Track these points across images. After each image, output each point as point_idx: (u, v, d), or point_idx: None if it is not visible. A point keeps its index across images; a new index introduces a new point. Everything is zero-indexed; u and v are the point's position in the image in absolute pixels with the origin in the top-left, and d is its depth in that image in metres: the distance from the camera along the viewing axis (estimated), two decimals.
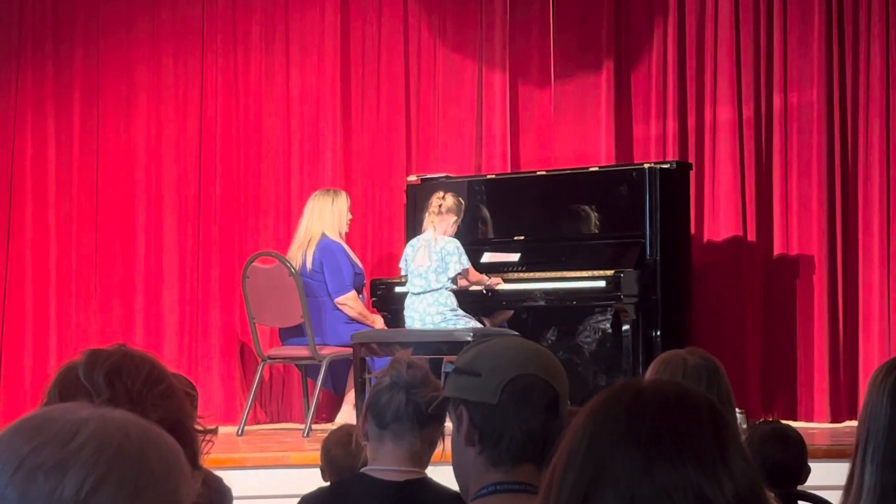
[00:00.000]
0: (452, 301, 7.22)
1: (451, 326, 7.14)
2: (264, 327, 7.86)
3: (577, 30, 8.52)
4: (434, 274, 7.21)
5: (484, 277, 7.37)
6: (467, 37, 8.66)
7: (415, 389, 2.99)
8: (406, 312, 7.32)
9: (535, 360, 2.47)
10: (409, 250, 7.38)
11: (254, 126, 8.57)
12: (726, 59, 8.21)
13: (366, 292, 7.85)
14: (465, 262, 7.23)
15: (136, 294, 8.38)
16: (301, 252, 7.62)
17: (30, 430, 1.15)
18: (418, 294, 7.25)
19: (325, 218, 7.66)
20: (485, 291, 7.44)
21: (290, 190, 8.55)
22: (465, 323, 7.18)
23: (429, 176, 8.18)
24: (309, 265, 7.58)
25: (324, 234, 7.63)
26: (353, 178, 8.58)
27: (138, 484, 1.14)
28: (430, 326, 7.19)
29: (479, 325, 7.26)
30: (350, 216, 7.78)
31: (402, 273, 7.43)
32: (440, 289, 7.20)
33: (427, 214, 7.36)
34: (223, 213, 8.47)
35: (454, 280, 7.24)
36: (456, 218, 7.36)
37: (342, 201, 7.73)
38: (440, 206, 7.31)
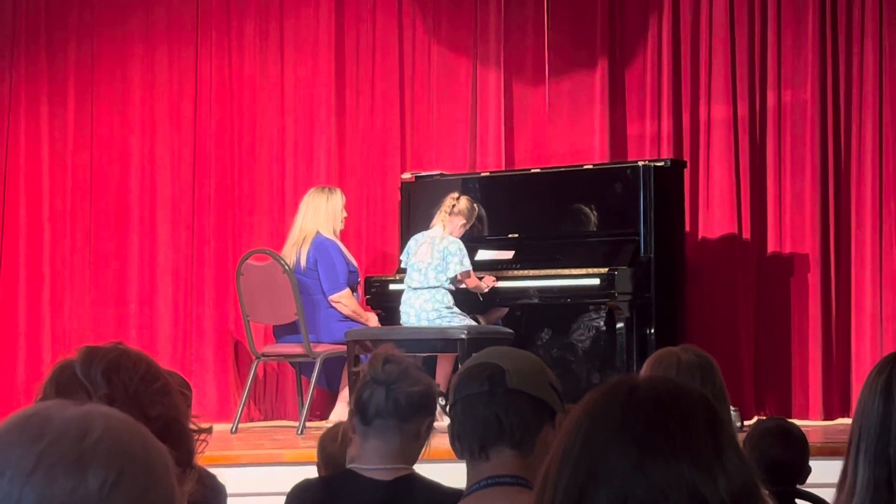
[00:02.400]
0: (449, 299, 7.23)
1: (445, 324, 7.14)
2: (258, 325, 7.86)
3: (572, 27, 8.52)
4: (434, 272, 7.21)
5: (482, 285, 7.36)
6: (461, 34, 8.66)
7: (393, 385, 3.00)
8: (402, 308, 7.32)
9: (486, 352, 2.58)
10: (412, 243, 7.38)
11: (248, 123, 8.56)
12: (721, 57, 8.21)
13: (360, 290, 7.85)
14: (467, 265, 7.23)
15: (131, 291, 8.37)
16: (296, 250, 7.62)
17: (34, 429, 1.14)
18: (416, 289, 7.26)
19: (319, 215, 7.65)
20: (481, 298, 7.44)
21: (284, 187, 8.55)
22: (459, 321, 7.18)
23: (423, 173, 8.18)
24: (303, 263, 7.58)
25: (318, 232, 7.62)
26: (348, 175, 8.57)
27: (149, 480, 1.14)
28: (425, 323, 7.19)
29: (473, 324, 7.26)
30: (345, 213, 7.78)
31: (402, 265, 7.43)
32: (438, 287, 7.21)
33: (438, 212, 7.37)
34: (217, 211, 8.46)
35: (452, 280, 7.24)
36: (465, 221, 7.37)
37: (337, 199, 7.72)
38: (452, 206, 7.33)
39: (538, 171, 7.96)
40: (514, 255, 7.59)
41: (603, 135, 8.37)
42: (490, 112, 8.57)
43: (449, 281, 7.22)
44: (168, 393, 1.77)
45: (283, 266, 7.48)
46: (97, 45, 8.47)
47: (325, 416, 7.76)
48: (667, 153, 8.14)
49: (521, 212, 7.78)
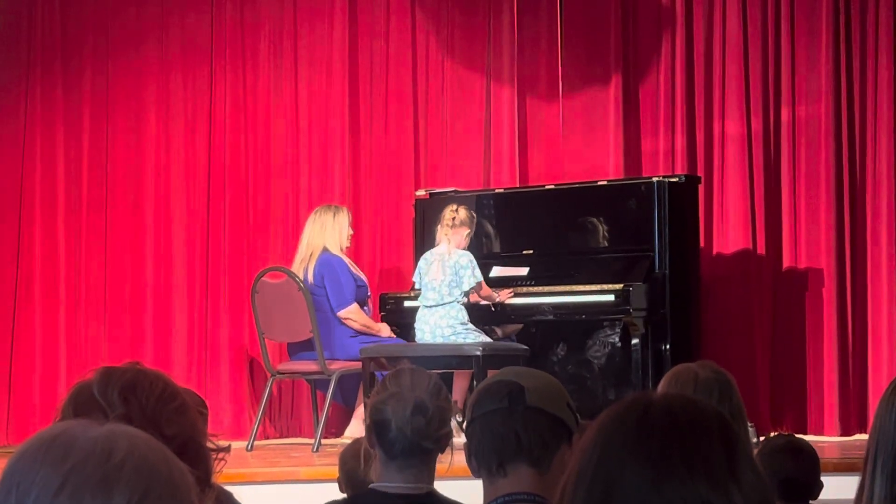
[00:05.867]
0: (463, 315, 7.23)
1: (461, 340, 7.14)
2: (273, 342, 7.87)
3: (585, 44, 8.53)
4: (447, 287, 7.22)
5: (494, 294, 7.37)
6: (475, 51, 8.68)
7: (419, 434, 2.99)
8: (417, 325, 7.32)
9: (503, 372, 2.59)
10: (422, 264, 7.38)
11: (262, 141, 8.58)
12: (734, 72, 8.22)
13: (371, 303, 7.84)
14: (479, 276, 7.24)
15: (146, 310, 8.39)
16: (303, 267, 7.64)
17: (60, 449, 1.14)
18: (430, 307, 7.26)
19: (326, 233, 7.67)
20: (493, 308, 7.45)
21: (298, 205, 8.56)
22: (474, 337, 7.17)
23: (437, 190, 8.19)
24: (311, 279, 7.59)
25: (325, 249, 7.64)
26: (362, 192, 8.59)
27: (172, 499, 1.15)
28: (440, 340, 7.19)
29: (488, 340, 7.26)
30: (351, 231, 7.79)
31: (416, 286, 7.43)
32: (452, 302, 7.21)
33: (440, 227, 7.37)
34: (232, 229, 8.48)
35: (466, 294, 7.24)
36: (469, 231, 7.37)
37: (343, 216, 7.74)
38: (453, 218, 7.33)
39: (552, 187, 7.96)
40: (529, 272, 7.59)
41: (617, 151, 8.37)
42: (504, 128, 8.58)
43: (463, 295, 7.23)
44: (185, 412, 1.77)
45: (297, 283, 7.49)
46: (112, 64, 8.50)
47: (340, 433, 7.76)
48: (681, 169, 8.14)
49: (535, 228, 7.78)
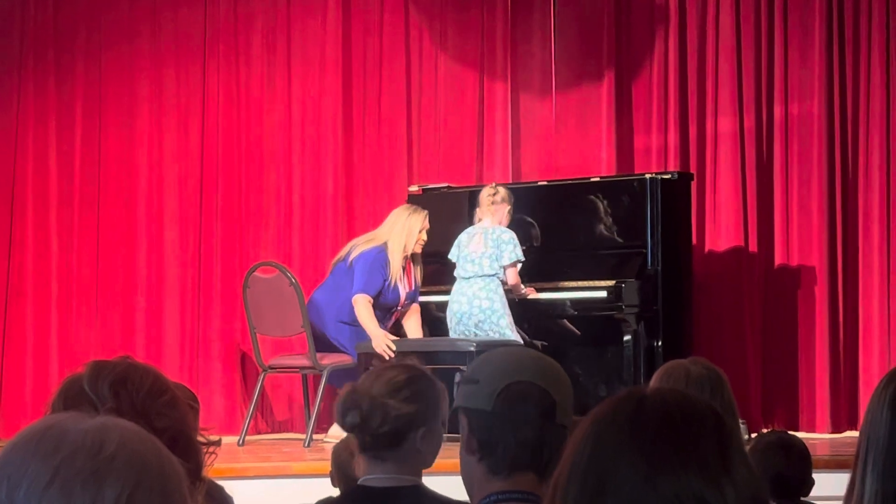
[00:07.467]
0: (501, 293, 7.15)
1: (495, 319, 7.06)
2: (265, 337, 7.86)
3: (578, 40, 8.53)
4: (487, 260, 7.19)
5: (521, 287, 7.32)
6: (468, 47, 8.68)
7: (366, 428, 3.03)
8: (453, 297, 7.25)
9: (533, 367, 2.51)
10: (463, 236, 7.33)
11: (255, 136, 8.57)
12: (727, 69, 8.22)
13: (394, 317, 7.72)
14: (519, 254, 7.19)
15: (138, 304, 8.38)
16: (352, 245, 7.61)
17: (50, 442, 1.14)
18: (468, 278, 7.22)
19: (394, 230, 7.56)
20: (516, 299, 7.40)
21: (291, 200, 8.55)
22: (500, 333, 7.08)
23: (430, 186, 8.18)
24: (351, 259, 7.52)
25: (385, 244, 7.53)
26: (355, 188, 8.59)
27: (163, 492, 1.14)
28: (476, 311, 7.12)
29: (517, 339, 7.15)
30: (424, 237, 7.56)
31: (453, 259, 7.36)
32: (492, 275, 7.17)
33: (479, 208, 7.32)
34: (224, 224, 8.47)
35: (504, 268, 7.18)
36: (509, 207, 7.35)
37: (416, 220, 7.54)
38: (493, 195, 7.31)
39: (545, 183, 7.96)
40: (522, 268, 7.58)
41: (610, 147, 8.37)
42: (497, 124, 8.58)
43: (502, 269, 7.18)
44: (175, 406, 1.77)
45: (289, 279, 7.49)
46: (105, 59, 8.48)
47: None
48: (674, 166, 8.14)
49: (527, 224, 7.77)
